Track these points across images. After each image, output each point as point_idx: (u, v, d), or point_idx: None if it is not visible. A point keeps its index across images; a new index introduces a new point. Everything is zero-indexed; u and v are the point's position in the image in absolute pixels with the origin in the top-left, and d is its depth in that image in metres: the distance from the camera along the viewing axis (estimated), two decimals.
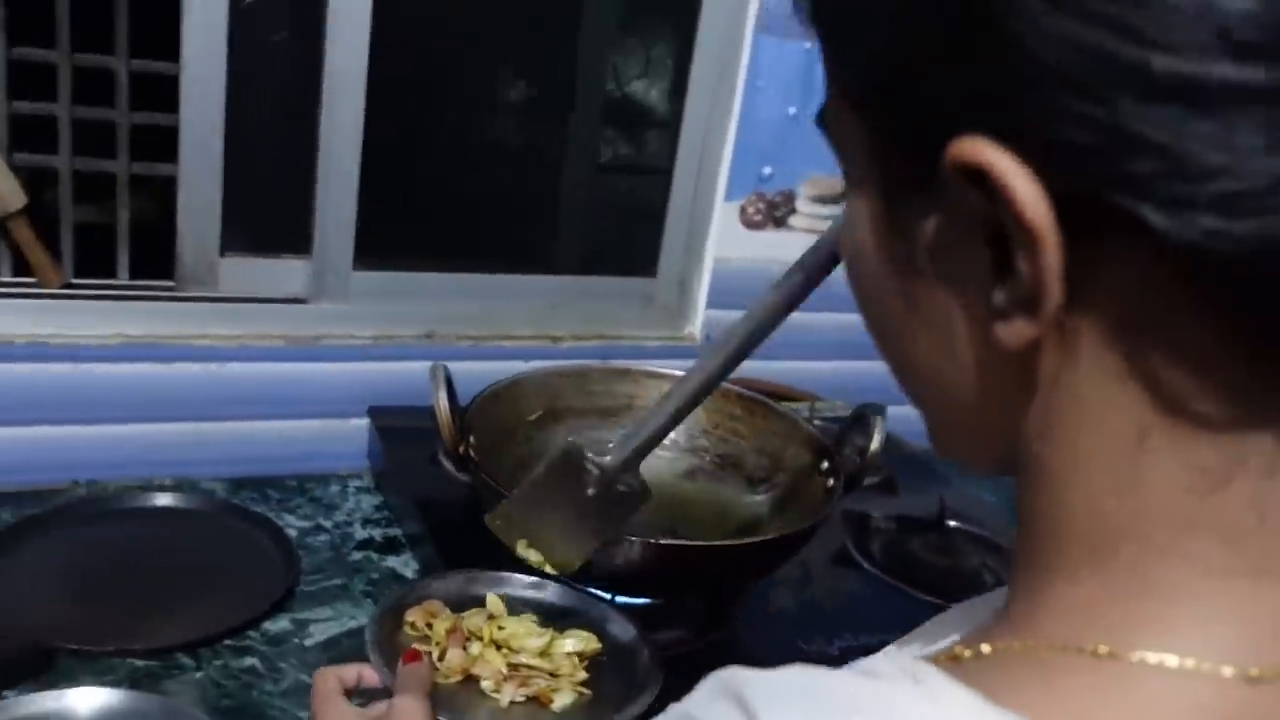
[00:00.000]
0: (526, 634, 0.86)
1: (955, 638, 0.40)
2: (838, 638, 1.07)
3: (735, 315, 1.44)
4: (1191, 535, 0.33)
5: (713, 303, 1.51)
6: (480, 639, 0.86)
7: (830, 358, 1.51)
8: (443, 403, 0.98)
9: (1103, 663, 0.33)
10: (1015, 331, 0.33)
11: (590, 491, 0.85)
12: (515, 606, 0.91)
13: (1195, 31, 0.27)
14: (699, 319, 1.52)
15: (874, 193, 0.37)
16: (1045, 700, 0.33)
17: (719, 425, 1.18)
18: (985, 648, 0.37)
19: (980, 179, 0.31)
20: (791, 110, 1.45)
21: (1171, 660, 0.32)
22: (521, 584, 0.94)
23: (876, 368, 0.42)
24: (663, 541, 0.88)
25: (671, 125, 1.49)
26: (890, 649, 0.44)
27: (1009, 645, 0.36)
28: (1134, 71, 0.28)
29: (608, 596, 1.00)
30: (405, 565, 1.18)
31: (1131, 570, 0.34)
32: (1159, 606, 0.34)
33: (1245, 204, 0.28)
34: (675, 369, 1.24)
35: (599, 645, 0.88)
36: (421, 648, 0.82)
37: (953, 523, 1.30)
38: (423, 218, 1.47)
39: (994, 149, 0.30)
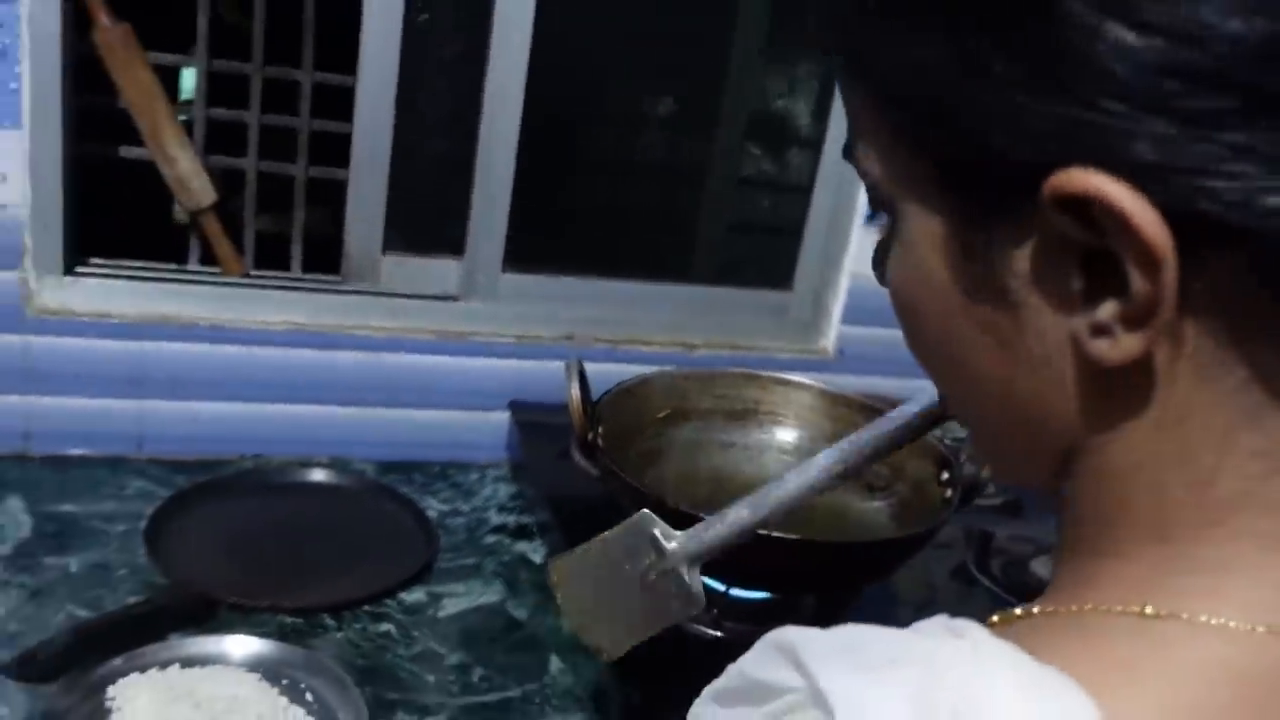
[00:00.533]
0: None
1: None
2: None
3: (868, 331, 1.49)
4: (1257, 515, 0.34)
5: (847, 319, 1.52)
6: None
7: None
8: (575, 393, 1.03)
9: (1143, 622, 0.35)
10: (1122, 347, 0.33)
11: (651, 576, 0.78)
12: None
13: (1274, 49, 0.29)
14: (833, 334, 1.54)
15: (941, 222, 0.37)
16: (1080, 654, 0.34)
17: (843, 435, 1.19)
18: (1035, 609, 0.39)
19: (1082, 207, 0.32)
20: None
21: (1212, 621, 0.34)
22: None
23: None
24: (773, 534, 0.91)
25: (813, 144, 1.52)
26: None
27: (1056, 610, 0.38)
28: (1225, 91, 0.30)
29: (723, 588, 1.04)
30: (534, 551, 1.24)
31: (1191, 550, 0.35)
32: (1210, 579, 0.35)
33: None
34: (805, 379, 1.27)
35: None
36: None
37: None
38: (569, 225, 1.52)
39: (1101, 178, 0.31)
